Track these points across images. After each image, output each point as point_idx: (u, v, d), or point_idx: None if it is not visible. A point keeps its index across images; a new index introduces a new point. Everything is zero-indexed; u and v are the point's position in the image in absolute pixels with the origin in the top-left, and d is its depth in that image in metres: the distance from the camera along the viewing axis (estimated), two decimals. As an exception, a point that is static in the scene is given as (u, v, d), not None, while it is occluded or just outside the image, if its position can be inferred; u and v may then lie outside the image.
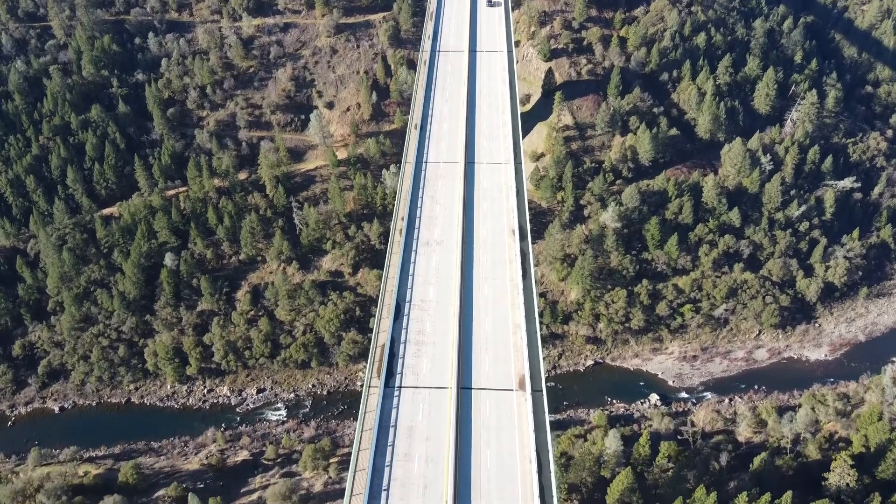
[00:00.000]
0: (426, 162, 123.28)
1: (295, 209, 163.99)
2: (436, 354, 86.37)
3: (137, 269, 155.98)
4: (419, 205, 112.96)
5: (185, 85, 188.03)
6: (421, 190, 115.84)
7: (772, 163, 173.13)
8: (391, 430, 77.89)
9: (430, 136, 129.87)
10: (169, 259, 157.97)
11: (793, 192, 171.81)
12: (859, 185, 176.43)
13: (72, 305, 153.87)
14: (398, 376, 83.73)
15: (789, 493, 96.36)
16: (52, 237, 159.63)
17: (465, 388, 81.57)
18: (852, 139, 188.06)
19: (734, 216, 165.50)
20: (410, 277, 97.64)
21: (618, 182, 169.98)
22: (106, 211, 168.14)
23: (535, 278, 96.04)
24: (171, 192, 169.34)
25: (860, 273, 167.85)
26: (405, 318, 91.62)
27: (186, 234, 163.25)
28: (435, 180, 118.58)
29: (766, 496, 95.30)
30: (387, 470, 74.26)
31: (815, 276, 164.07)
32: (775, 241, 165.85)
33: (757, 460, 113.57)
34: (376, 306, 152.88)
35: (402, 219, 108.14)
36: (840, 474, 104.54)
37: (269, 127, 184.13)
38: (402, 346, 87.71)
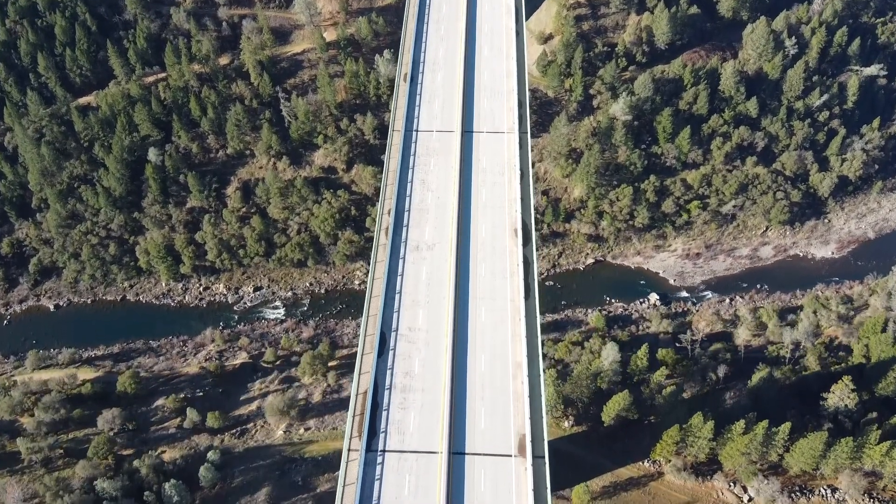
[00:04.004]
0: (417, 130, 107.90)
1: (282, 99, 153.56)
2: (425, 404, 76.26)
3: (121, 165, 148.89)
4: (408, 192, 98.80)
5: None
6: (410, 172, 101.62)
7: (796, 46, 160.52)
8: None
9: (421, 93, 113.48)
10: (153, 154, 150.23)
11: (815, 79, 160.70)
12: (886, 72, 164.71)
13: (56, 202, 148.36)
14: (382, 436, 73.98)
15: (788, 424, 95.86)
16: (29, 130, 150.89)
17: (457, 454, 72.67)
18: (882, 18, 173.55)
19: (751, 106, 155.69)
20: (398, 296, 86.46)
21: (630, 68, 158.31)
22: (82, 100, 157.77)
23: (538, 298, 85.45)
24: (150, 80, 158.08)
25: (876, 166, 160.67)
26: (390, 354, 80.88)
27: (169, 126, 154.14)
28: (427, 157, 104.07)
29: (764, 423, 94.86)
30: None
31: (830, 169, 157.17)
32: (792, 132, 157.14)
33: (756, 377, 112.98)
34: (373, 206, 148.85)
35: (389, 213, 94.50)
36: (840, 396, 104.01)
37: (250, 3, 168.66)
38: (386, 393, 77.10)
